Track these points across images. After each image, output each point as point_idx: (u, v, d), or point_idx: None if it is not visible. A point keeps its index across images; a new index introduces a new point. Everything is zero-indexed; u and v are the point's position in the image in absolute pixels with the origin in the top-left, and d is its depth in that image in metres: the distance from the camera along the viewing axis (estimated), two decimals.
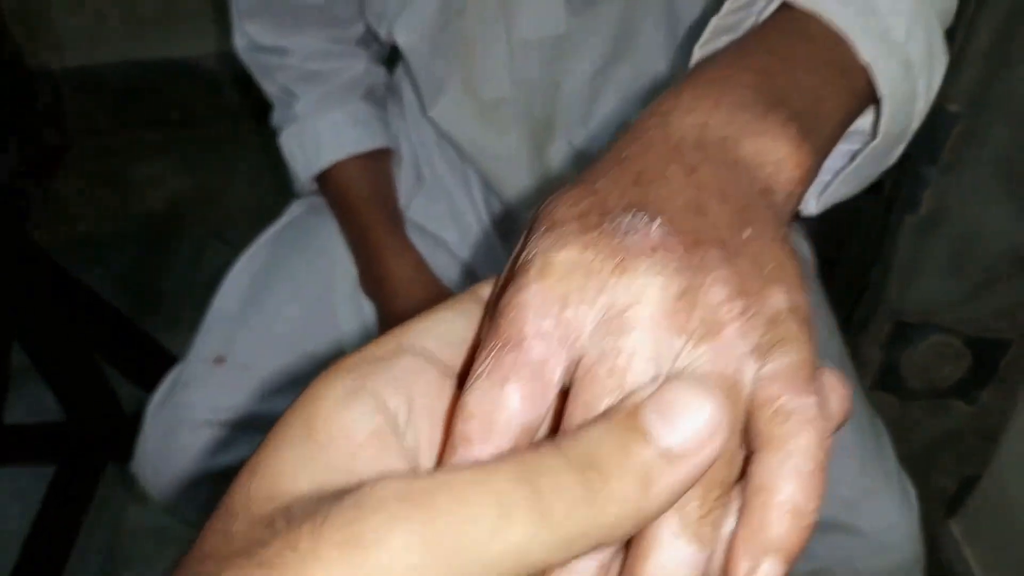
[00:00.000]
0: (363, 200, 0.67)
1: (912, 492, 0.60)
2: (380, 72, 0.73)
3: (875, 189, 0.85)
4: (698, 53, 0.35)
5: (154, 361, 1.23)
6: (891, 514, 0.56)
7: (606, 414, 0.18)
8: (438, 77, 0.61)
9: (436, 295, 0.65)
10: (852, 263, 0.91)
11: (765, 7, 0.34)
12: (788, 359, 0.20)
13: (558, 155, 0.65)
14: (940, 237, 0.73)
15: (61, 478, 1.19)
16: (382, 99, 0.75)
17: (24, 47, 1.68)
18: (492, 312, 0.21)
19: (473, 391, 0.19)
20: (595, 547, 0.17)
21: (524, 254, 0.21)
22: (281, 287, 0.68)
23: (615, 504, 0.17)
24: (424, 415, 0.20)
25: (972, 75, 0.65)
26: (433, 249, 0.69)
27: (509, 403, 0.19)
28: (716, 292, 0.20)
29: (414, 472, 0.19)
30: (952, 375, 0.82)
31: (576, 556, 0.17)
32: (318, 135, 0.69)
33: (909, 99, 0.33)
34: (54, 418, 1.29)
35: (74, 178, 1.76)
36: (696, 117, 0.24)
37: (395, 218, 0.68)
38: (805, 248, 0.69)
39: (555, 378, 0.19)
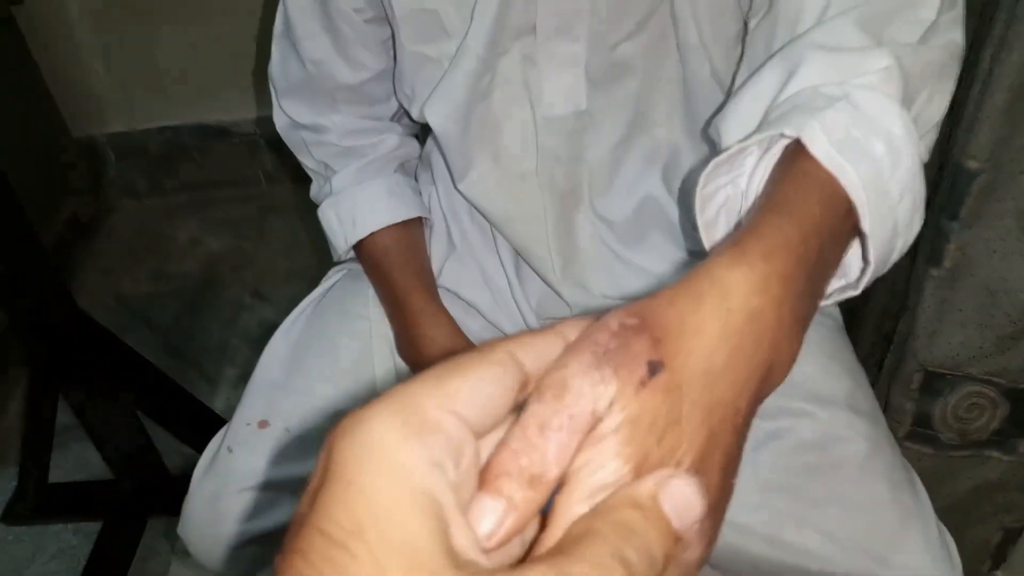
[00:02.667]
0: (398, 267, 0.70)
1: (952, 545, 0.59)
2: (413, 145, 0.77)
3: None
4: (703, 180, 0.39)
5: (194, 416, 1.26)
6: (931, 569, 0.55)
7: (635, 503, 0.23)
8: (467, 153, 0.64)
9: None
10: (880, 313, 0.91)
11: (769, 146, 0.38)
12: None
13: (583, 222, 0.67)
14: (965, 290, 0.74)
15: (106, 534, 1.21)
16: (414, 169, 0.79)
17: (67, 116, 1.75)
18: None
19: None
20: None
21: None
22: (321, 352, 0.71)
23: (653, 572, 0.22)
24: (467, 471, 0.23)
25: (990, 131, 0.66)
26: (465, 313, 0.72)
27: None
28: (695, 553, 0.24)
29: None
30: (988, 425, 0.81)
31: None
32: (355, 207, 0.72)
33: (887, 259, 0.38)
34: (99, 475, 1.32)
35: (116, 241, 1.82)
36: (767, 333, 0.28)
37: (429, 284, 0.71)
38: (831, 307, 0.70)
39: None
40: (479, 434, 0.24)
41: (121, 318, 1.57)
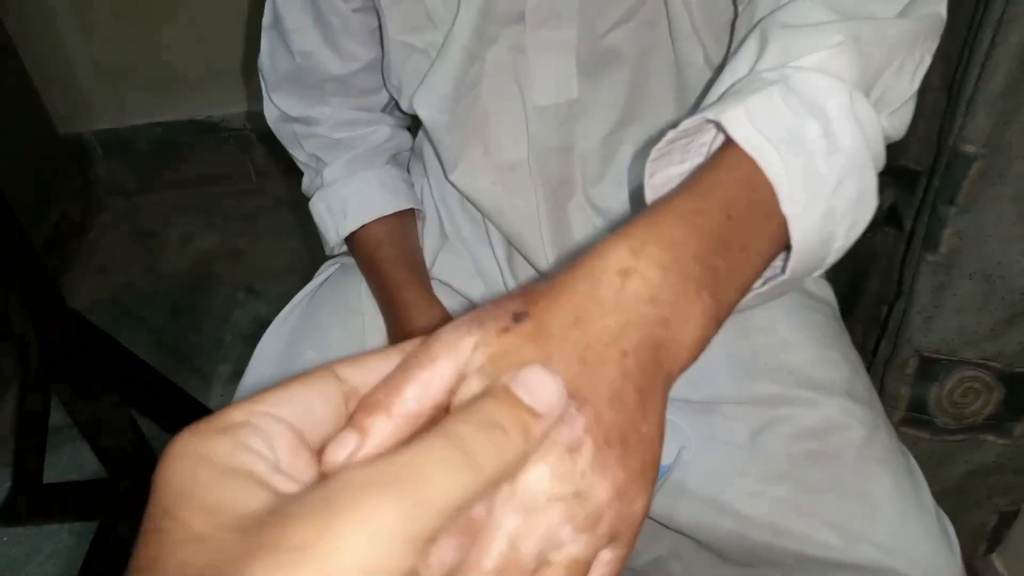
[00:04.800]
0: (390, 260, 0.70)
1: (951, 529, 0.59)
2: (404, 136, 0.76)
3: (896, 225, 0.86)
4: (649, 168, 0.40)
5: (189, 413, 1.25)
6: (931, 554, 0.55)
7: (488, 393, 0.25)
8: (457, 144, 0.63)
9: None
10: (874, 299, 0.91)
11: (715, 137, 0.38)
12: (617, 552, 0.27)
13: (576, 212, 0.67)
14: (961, 275, 0.74)
15: (102, 534, 1.21)
16: (405, 161, 0.78)
17: (53, 113, 1.74)
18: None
19: None
20: (500, 482, 0.24)
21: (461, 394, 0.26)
22: (314, 346, 0.70)
23: (512, 450, 0.24)
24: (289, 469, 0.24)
25: (988, 116, 0.66)
26: (459, 305, 0.71)
27: None
28: (604, 493, 0.25)
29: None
30: (983, 409, 0.82)
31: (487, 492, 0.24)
32: (346, 199, 0.71)
33: (825, 243, 0.37)
34: (93, 475, 1.31)
35: (106, 240, 1.81)
36: (645, 287, 0.29)
37: (422, 276, 0.70)
38: (826, 289, 0.70)
39: None
40: (310, 440, 0.25)
41: (114, 316, 1.56)
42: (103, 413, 1.17)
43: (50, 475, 1.25)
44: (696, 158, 0.40)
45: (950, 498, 0.87)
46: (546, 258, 0.67)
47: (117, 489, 1.24)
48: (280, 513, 0.21)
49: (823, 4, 0.42)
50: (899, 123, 0.43)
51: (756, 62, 0.41)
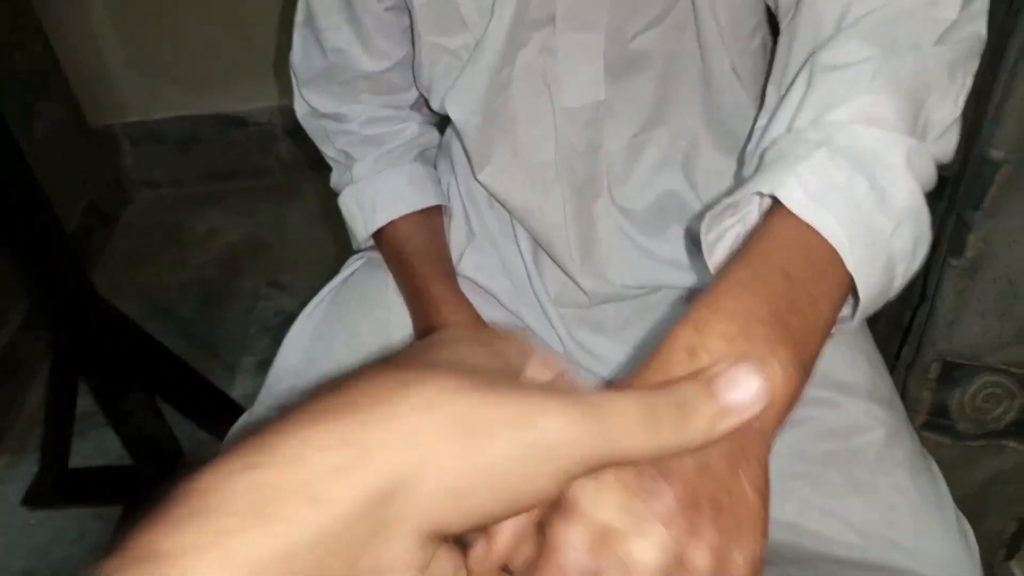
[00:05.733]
0: (418, 256, 0.71)
1: (971, 533, 0.59)
2: (433, 134, 0.77)
3: None
4: (704, 227, 0.42)
5: (213, 403, 1.27)
6: (951, 558, 0.55)
7: (692, 377, 0.28)
8: (486, 145, 0.64)
9: None
10: (898, 303, 0.91)
11: (763, 199, 0.40)
12: None
13: (602, 212, 0.67)
14: (985, 280, 0.74)
15: (127, 519, 1.23)
16: (433, 157, 0.79)
17: (85, 105, 1.77)
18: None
19: None
20: (670, 454, 0.26)
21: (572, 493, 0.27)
22: (341, 339, 0.71)
23: (692, 433, 0.26)
24: None
25: (1016, 122, 0.66)
26: (485, 302, 0.72)
27: None
28: (701, 557, 0.27)
29: None
30: (1005, 415, 0.81)
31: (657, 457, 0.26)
32: (375, 195, 0.72)
33: (887, 286, 0.39)
34: (118, 461, 1.33)
35: (134, 231, 1.84)
36: (712, 359, 0.30)
37: (449, 272, 0.71)
38: None
39: None
40: None
41: (140, 307, 1.59)
42: (129, 401, 1.19)
43: (76, 460, 1.27)
44: (748, 216, 0.42)
45: (970, 504, 0.87)
46: (572, 258, 0.67)
47: (141, 475, 1.27)
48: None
49: (861, 38, 0.43)
50: (947, 146, 0.44)
51: (797, 111, 0.43)
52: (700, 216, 0.63)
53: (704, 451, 0.28)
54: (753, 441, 0.29)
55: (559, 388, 0.25)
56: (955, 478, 0.85)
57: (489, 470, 0.22)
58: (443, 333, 0.28)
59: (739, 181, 0.51)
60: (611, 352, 0.68)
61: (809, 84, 0.43)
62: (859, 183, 0.38)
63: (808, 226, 0.36)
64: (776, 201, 0.38)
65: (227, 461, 0.21)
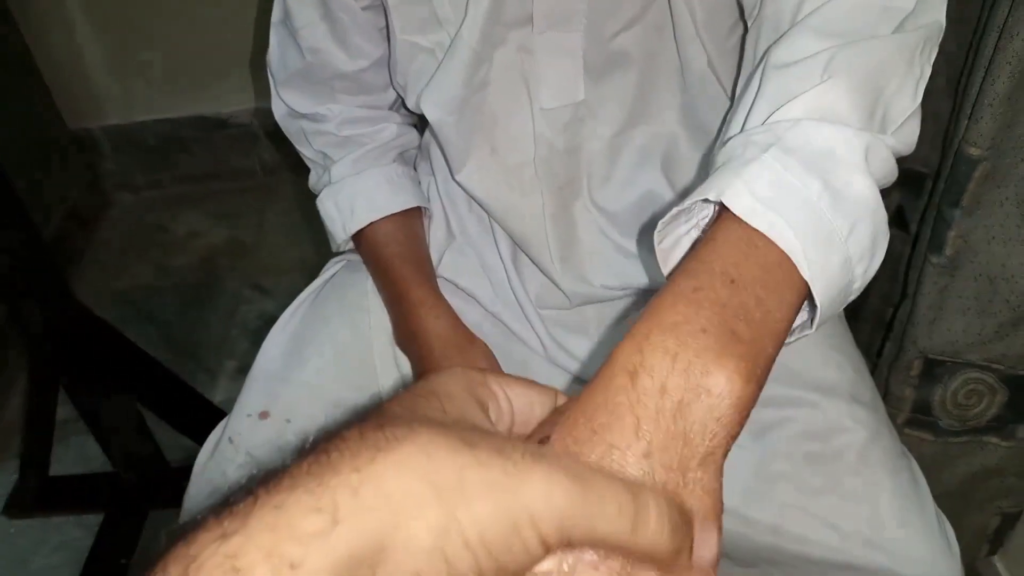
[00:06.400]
0: (397, 258, 0.70)
1: (951, 532, 0.59)
2: (412, 134, 0.76)
3: (901, 226, 0.86)
4: (657, 237, 0.41)
5: (194, 409, 1.26)
6: (932, 558, 0.55)
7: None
8: (464, 145, 0.64)
9: (470, 349, 0.66)
10: (880, 300, 0.91)
11: (715, 209, 0.38)
12: None
13: (582, 212, 0.67)
14: (965, 277, 0.74)
15: (108, 527, 1.22)
16: (413, 159, 0.78)
17: (62, 108, 1.75)
18: None
19: None
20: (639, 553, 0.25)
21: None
22: (321, 343, 0.70)
23: (666, 545, 0.26)
24: None
25: (992, 119, 0.66)
26: (465, 303, 0.71)
27: None
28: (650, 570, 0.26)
29: None
30: (986, 412, 0.82)
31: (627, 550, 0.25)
32: (353, 197, 0.72)
33: (845, 288, 0.37)
34: (99, 468, 1.32)
35: (114, 235, 1.82)
36: (652, 380, 0.29)
37: (429, 275, 0.71)
38: None
39: None
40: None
41: (120, 311, 1.57)
42: (110, 407, 1.18)
43: (57, 468, 1.26)
44: (703, 222, 0.41)
45: (953, 500, 0.87)
46: (551, 259, 0.67)
47: (122, 482, 1.25)
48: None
49: (815, 31, 0.42)
50: (906, 138, 0.43)
51: (749, 112, 0.41)
52: (646, 160, 0.63)
53: (643, 479, 0.28)
54: (698, 462, 0.28)
55: (546, 451, 0.25)
56: (938, 474, 0.86)
57: (467, 535, 0.22)
58: (433, 383, 0.28)
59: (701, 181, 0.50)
60: (592, 353, 0.68)
61: (761, 82, 0.42)
62: (812, 184, 0.36)
63: (755, 230, 0.34)
64: (724, 210, 0.36)
65: (208, 527, 0.21)
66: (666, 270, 0.41)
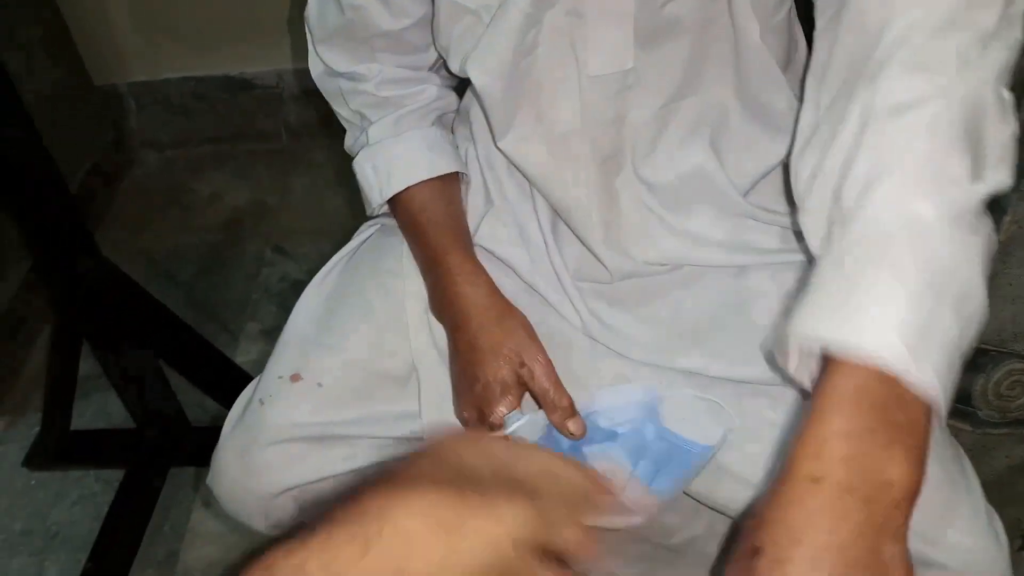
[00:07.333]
0: (434, 224, 0.68)
1: (999, 523, 0.58)
2: (451, 97, 0.75)
3: None
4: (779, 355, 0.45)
5: (216, 368, 1.26)
6: (979, 550, 0.54)
7: None
8: (509, 111, 0.62)
9: (508, 319, 0.65)
10: None
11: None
12: None
13: (625, 185, 0.65)
14: (1017, 264, 0.72)
15: (128, 482, 1.22)
16: (450, 122, 0.76)
17: (89, 64, 1.73)
18: None
19: None
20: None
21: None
22: (353, 307, 0.69)
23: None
24: None
25: None
26: (501, 272, 0.70)
27: None
28: None
29: None
30: None
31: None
32: (391, 160, 0.70)
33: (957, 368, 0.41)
34: (119, 424, 1.33)
35: (138, 193, 1.82)
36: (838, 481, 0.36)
37: (466, 242, 0.69)
38: None
39: None
40: None
41: (142, 270, 1.57)
42: (132, 363, 1.18)
43: (78, 423, 1.26)
44: None
45: (988, 492, 0.85)
46: (593, 231, 0.65)
47: (143, 438, 1.26)
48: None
49: (914, 67, 0.43)
50: (1007, 170, 0.44)
51: (848, 166, 0.44)
52: (696, 133, 0.64)
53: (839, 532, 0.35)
54: (888, 540, 0.35)
55: (519, 489, 0.33)
56: (974, 465, 0.84)
57: (463, 555, 0.31)
58: (439, 446, 0.36)
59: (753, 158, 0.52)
60: (631, 328, 0.66)
61: (863, 128, 0.43)
62: (946, 318, 0.39)
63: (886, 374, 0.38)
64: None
65: (275, 554, 0.29)
66: (792, 369, 0.45)
